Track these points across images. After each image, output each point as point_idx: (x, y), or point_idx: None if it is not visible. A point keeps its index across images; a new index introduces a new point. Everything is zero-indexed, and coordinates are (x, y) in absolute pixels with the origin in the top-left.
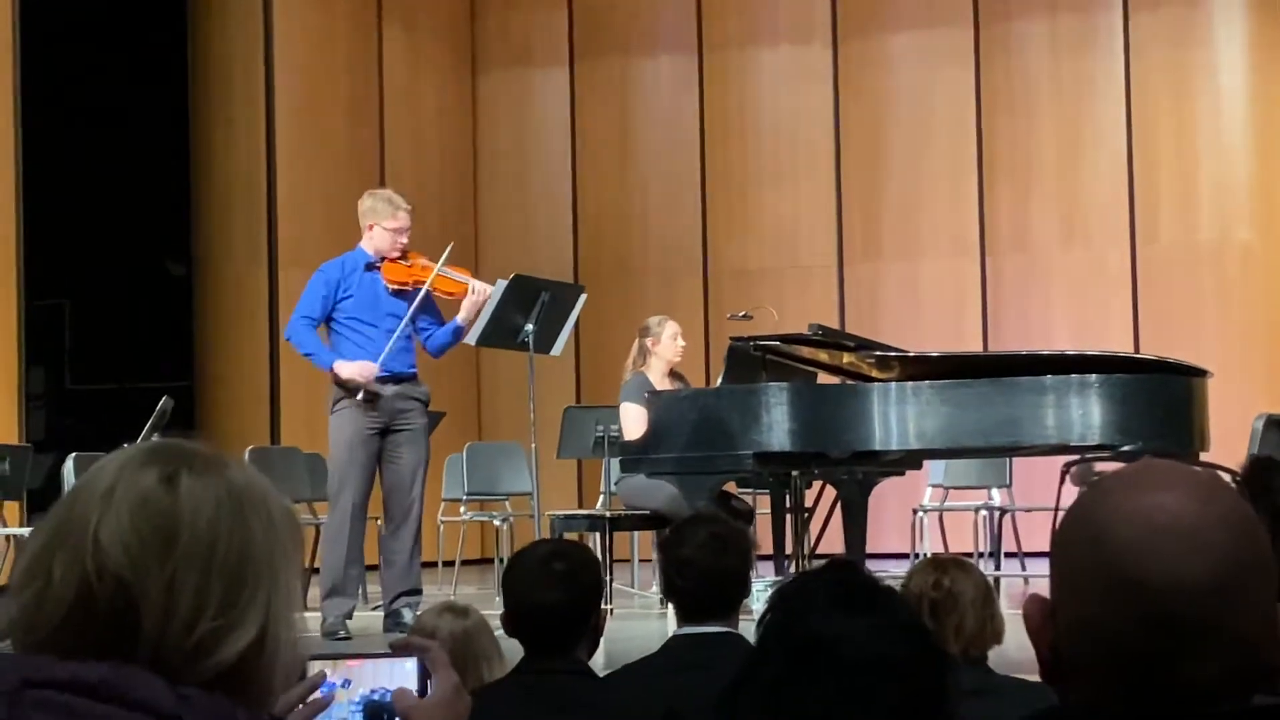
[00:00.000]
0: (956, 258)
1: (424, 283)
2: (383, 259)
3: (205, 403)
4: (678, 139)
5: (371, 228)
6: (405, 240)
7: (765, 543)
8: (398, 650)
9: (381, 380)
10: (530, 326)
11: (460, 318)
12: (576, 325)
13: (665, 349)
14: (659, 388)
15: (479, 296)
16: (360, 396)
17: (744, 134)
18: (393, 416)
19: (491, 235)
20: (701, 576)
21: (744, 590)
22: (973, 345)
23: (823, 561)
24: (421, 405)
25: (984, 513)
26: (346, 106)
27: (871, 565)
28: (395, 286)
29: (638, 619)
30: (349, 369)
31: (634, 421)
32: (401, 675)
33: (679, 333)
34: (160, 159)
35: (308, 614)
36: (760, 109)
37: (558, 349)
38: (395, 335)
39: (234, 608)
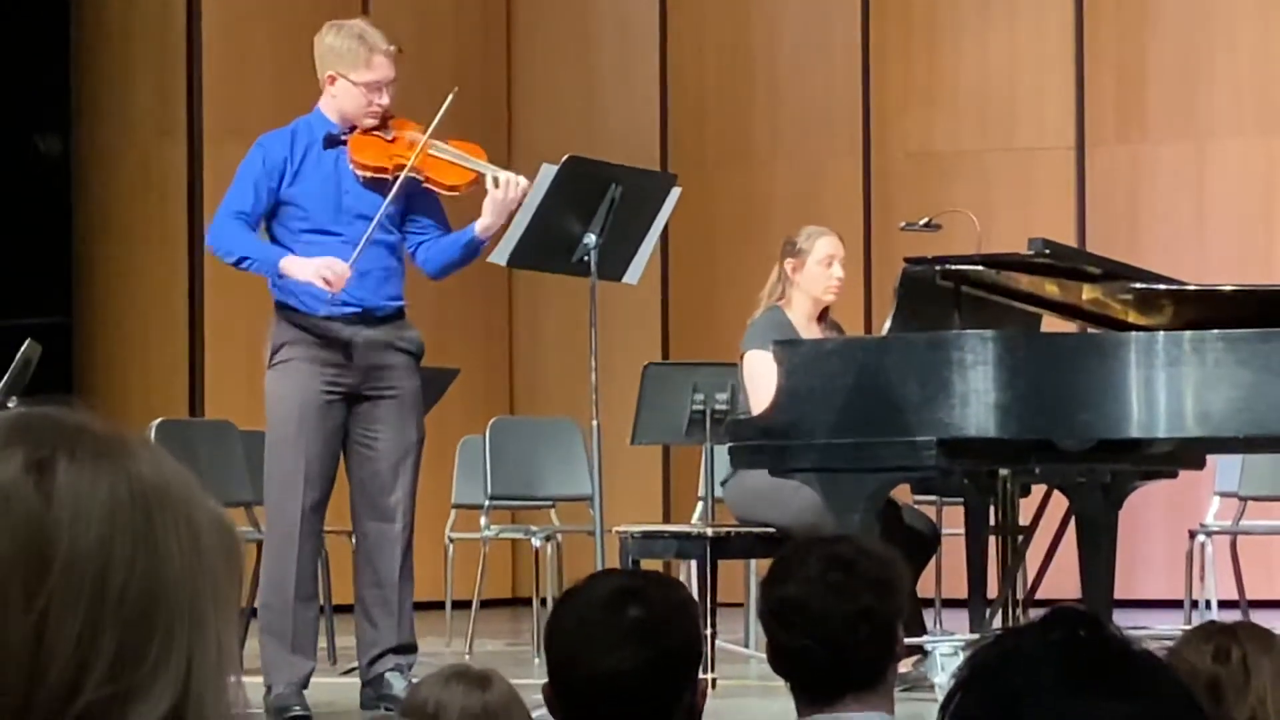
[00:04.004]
0: (1266, 137)
1: (406, 165)
2: (351, 129)
3: (90, 350)
4: None
5: (333, 80)
6: (386, 100)
7: (955, 579)
8: None
9: (345, 320)
10: (592, 238)
11: (480, 225)
12: (664, 237)
13: (811, 278)
14: (803, 335)
15: (509, 192)
16: (310, 340)
17: None
18: (364, 376)
19: (531, 103)
20: (813, 630)
21: (888, 651)
22: None
23: (1045, 612)
24: (410, 359)
25: None
26: None
27: (1122, 619)
28: (369, 173)
29: (755, 695)
30: (305, 268)
31: (763, 380)
32: None
33: (837, 256)
34: None
35: (247, 679)
36: None
37: (634, 274)
38: (361, 244)
39: (137, 668)
